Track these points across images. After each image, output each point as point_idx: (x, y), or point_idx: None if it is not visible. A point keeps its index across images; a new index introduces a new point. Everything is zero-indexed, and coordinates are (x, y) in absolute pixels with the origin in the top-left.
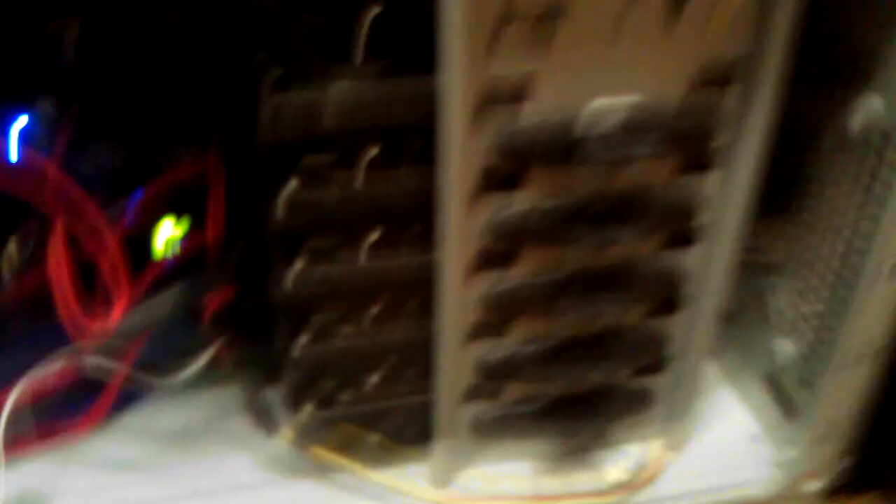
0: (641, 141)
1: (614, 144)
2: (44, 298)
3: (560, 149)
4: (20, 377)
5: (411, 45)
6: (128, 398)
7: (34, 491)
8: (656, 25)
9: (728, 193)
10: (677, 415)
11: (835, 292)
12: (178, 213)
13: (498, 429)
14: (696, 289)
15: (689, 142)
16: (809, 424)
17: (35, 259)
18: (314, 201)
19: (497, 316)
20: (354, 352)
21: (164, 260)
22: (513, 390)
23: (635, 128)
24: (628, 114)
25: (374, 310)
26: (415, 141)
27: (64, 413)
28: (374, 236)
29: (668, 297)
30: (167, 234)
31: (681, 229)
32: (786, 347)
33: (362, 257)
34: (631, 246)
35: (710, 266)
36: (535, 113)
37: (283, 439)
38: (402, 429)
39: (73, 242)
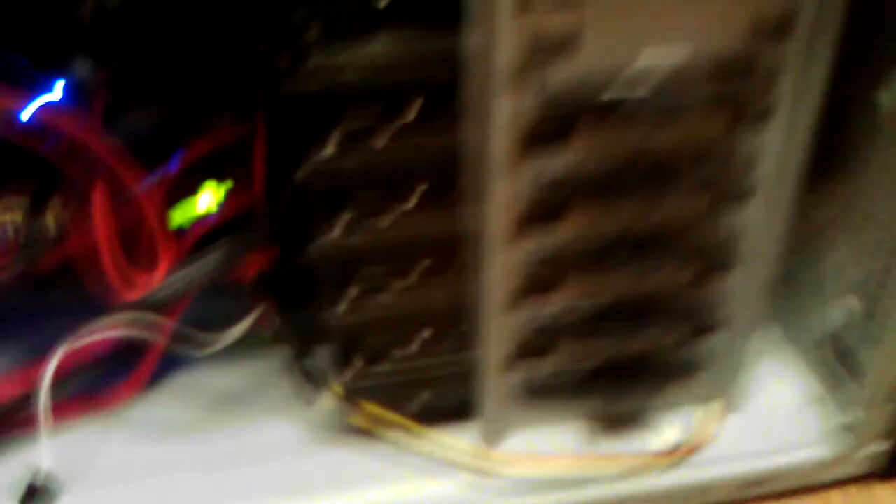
0: (693, 93)
1: (665, 97)
2: (85, 263)
3: (608, 103)
4: (61, 343)
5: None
6: (170, 364)
7: (47, 473)
8: None
9: (784, 148)
10: (731, 377)
11: None
12: (220, 175)
13: (545, 391)
14: (751, 248)
15: (744, 94)
16: (873, 384)
17: (77, 222)
18: (357, 158)
19: (544, 275)
20: (401, 309)
21: (207, 222)
22: (561, 352)
23: (687, 79)
24: (680, 65)
25: (421, 266)
26: (458, 96)
27: (106, 379)
28: (419, 190)
29: (721, 256)
30: (209, 196)
31: (735, 186)
32: (848, 304)
33: (407, 211)
34: (683, 203)
35: (765, 224)
36: (581, 66)
37: (326, 401)
38: (449, 391)
39: (114, 205)
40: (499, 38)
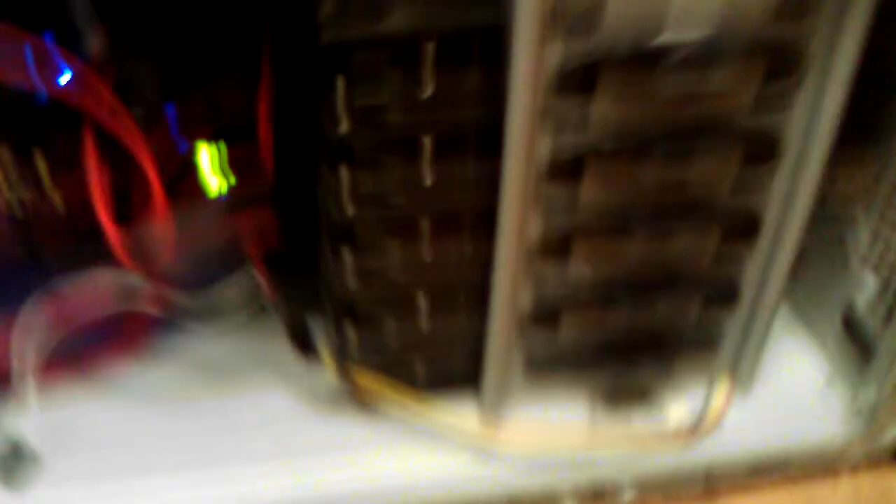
0: (724, 53)
1: (703, 47)
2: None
3: (637, 52)
4: (47, 300)
5: None
6: (161, 330)
7: (26, 444)
8: None
9: (816, 109)
10: (746, 356)
11: None
12: (224, 131)
13: (554, 364)
14: (776, 217)
15: (776, 55)
16: (887, 365)
17: (70, 175)
18: (370, 104)
19: (560, 237)
20: (404, 272)
21: (208, 180)
22: (572, 322)
23: (718, 36)
24: (711, 23)
25: (428, 226)
26: (480, 43)
27: (98, 342)
28: (430, 148)
29: (746, 224)
30: (211, 153)
31: (764, 148)
32: (867, 282)
33: (419, 168)
34: (709, 166)
35: (793, 191)
36: (608, 28)
37: (324, 370)
38: (450, 362)
39: (109, 159)
40: None
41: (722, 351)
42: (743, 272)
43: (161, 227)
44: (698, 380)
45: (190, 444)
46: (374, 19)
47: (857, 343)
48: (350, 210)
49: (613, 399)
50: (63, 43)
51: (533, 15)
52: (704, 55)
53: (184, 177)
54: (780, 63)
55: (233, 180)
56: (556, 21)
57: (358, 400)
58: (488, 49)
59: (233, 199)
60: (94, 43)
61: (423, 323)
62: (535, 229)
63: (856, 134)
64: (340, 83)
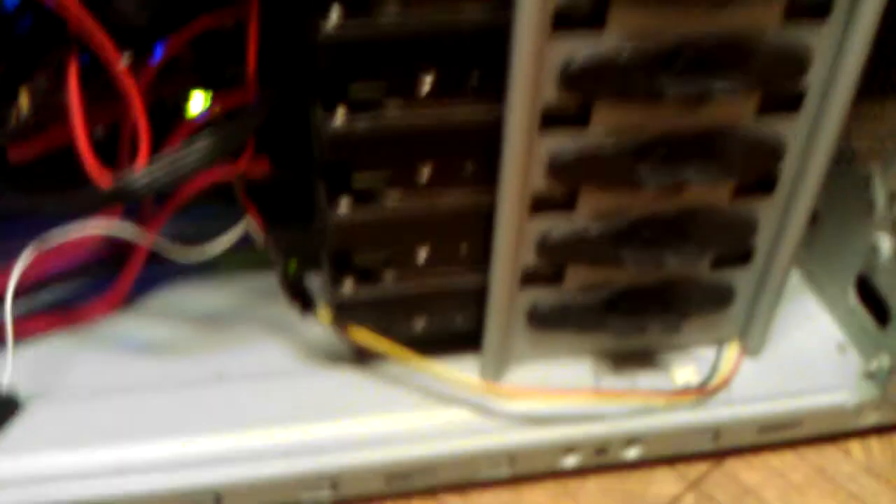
0: None
1: None
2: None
3: None
4: (31, 244)
5: None
6: (150, 279)
7: (11, 385)
8: None
9: (840, 52)
10: (757, 317)
11: None
12: (212, 66)
13: (558, 319)
14: (794, 168)
15: None
16: None
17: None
18: (361, 34)
19: (565, 183)
20: (401, 220)
21: (196, 118)
22: (577, 275)
23: None
24: None
25: (426, 171)
26: None
27: (84, 290)
28: (428, 80)
29: (762, 173)
30: (198, 90)
31: (785, 88)
32: (883, 244)
33: (415, 105)
34: (726, 107)
35: (811, 143)
36: (609, 41)
37: (319, 321)
38: (452, 314)
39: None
40: None
41: (732, 310)
42: (758, 228)
43: (144, 154)
44: (707, 341)
45: (177, 396)
46: None
47: (871, 307)
48: (346, 154)
49: (621, 356)
50: None
51: None
52: None
53: (171, 118)
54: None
55: (220, 115)
56: None
57: (352, 355)
58: None
59: (220, 123)
60: None
61: (420, 272)
62: (538, 178)
63: (876, 88)
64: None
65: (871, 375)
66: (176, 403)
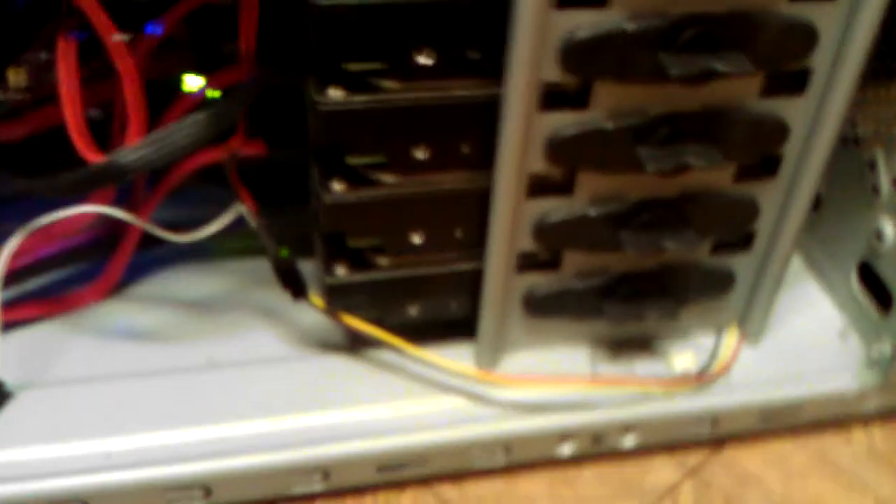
0: None
1: None
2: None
3: None
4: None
5: None
6: (144, 264)
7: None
8: None
9: (848, 34)
10: (757, 303)
11: None
12: (207, 44)
13: (554, 305)
14: (798, 151)
15: None
16: None
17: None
18: (355, 6)
19: (564, 165)
20: (395, 203)
21: (190, 96)
22: (574, 260)
23: None
24: None
25: (421, 152)
26: None
27: (73, 276)
28: (424, 58)
29: (765, 155)
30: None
31: (790, 66)
32: (886, 230)
33: (411, 84)
34: (730, 87)
35: (816, 125)
36: (612, 17)
37: (310, 306)
38: (447, 300)
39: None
40: None
41: (732, 296)
42: (759, 211)
43: (136, 130)
44: (706, 327)
45: (168, 384)
46: None
47: (873, 293)
48: (340, 134)
49: (619, 343)
50: None
51: None
52: None
53: (166, 97)
54: None
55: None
56: None
57: (344, 343)
58: None
59: (213, 100)
60: None
61: (418, 254)
62: (536, 159)
63: (882, 72)
64: None
65: (872, 362)
66: (167, 391)
